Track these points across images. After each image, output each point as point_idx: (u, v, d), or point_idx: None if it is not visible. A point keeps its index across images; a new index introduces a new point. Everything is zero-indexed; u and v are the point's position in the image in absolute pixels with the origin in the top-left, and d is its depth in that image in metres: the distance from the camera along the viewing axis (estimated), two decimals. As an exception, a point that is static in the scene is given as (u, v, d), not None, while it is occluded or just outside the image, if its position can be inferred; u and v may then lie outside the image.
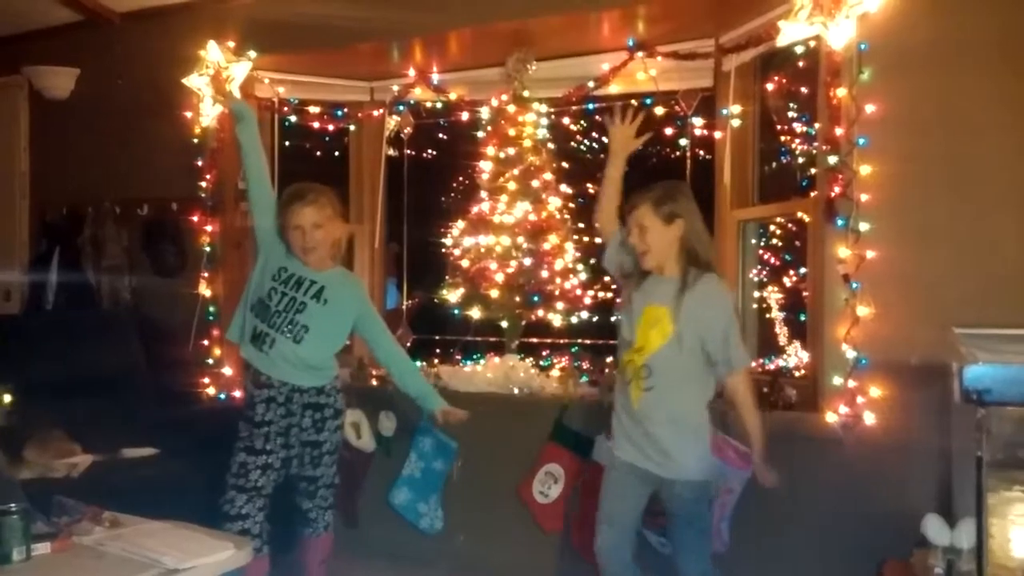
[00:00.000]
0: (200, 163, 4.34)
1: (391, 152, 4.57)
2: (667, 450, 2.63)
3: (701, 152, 3.89)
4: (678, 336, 2.58)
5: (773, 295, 4.03)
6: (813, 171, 3.33)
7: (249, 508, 2.92)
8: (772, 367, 3.79)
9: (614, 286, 4.94)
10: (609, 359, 3.79)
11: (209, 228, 4.34)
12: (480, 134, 4.11)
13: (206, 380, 4.28)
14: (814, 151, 3.31)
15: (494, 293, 3.87)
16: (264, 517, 2.97)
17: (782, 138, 3.79)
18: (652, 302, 2.65)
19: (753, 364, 3.74)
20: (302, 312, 2.95)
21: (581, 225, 4.21)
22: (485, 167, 3.96)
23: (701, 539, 2.74)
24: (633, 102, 3.20)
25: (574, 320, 3.98)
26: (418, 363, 4.31)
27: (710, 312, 2.59)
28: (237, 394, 4.25)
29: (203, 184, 4.34)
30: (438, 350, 4.46)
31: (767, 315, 4.00)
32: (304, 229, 2.95)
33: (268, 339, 2.94)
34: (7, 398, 3.44)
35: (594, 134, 4.73)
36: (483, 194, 3.96)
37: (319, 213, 2.97)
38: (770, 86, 3.66)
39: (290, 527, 3.17)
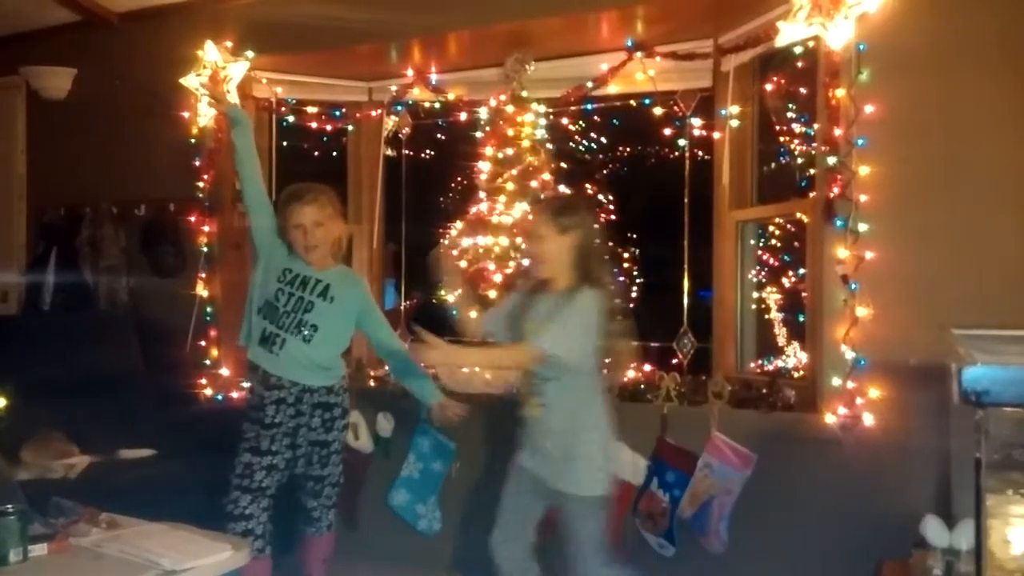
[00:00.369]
0: (198, 163, 4.34)
1: (389, 152, 4.57)
2: (561, 463, 2.64)
3: (700, 153, 3.88)
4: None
5: (772, 296, 4.03)
6: (812, 172, 3.33)
7: (253, 508, 2.93)
8: (771, 368, 3.79)
9: (612, 287, 4.96)
10: (607, 359, 3.78)
11: (207, 229, 4.34)
12: (478, 134, 4.10)
13: (204, 381, 4.27)
14: (813, 152, 3.31)
15: (492, 294, 3.86)
16: (268, 518, 2.97)
17: (781, 139, 3.79)
18: (536, 319, 2.67)
19: (753, 365, 3.76)
20: (310, 311, 2.97)
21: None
22: (483, 167, 3.95)
23: (596, 555, 2.69)
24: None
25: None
26: (416, 364, 4.33)
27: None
28: (235, 395, 4.24)
29: (201, 185, 4.33)
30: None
31: (766, 316, 4.00)
32: (305, 228, 2.97)
33: (278, 340, 2.96)
34: (2, 402, 3.43)
35: (593, 134, 4.73)
36: (481, 194, 3.95)
37: (320, 212, 2.99)
38: (769, 87, 3.66)
39: (292, 526, 3.17)
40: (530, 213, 2.74)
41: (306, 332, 2.96)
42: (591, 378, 2.68)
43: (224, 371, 4.31)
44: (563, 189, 3.98)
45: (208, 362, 4.30)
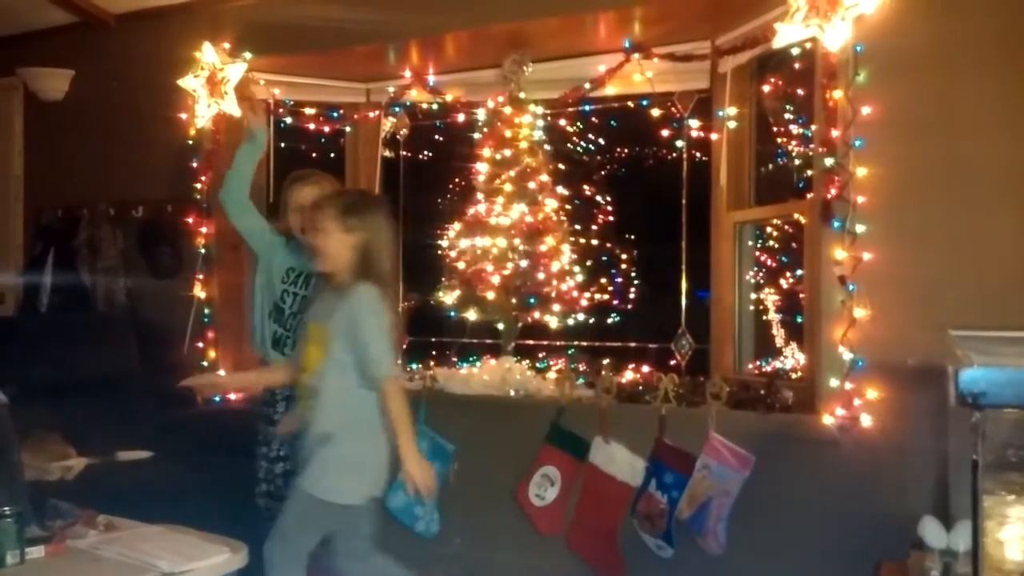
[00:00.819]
0: (195, 165, 4.34)
1: (387, 153, 4.57)
2: (320, 471, 2.60)
3: (697, 154, 3.89)
4: (334, 354, 2.57)
5: (770, 297, 4.03)
6: (809, 173, 3.33)
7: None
8: (769, 369, 3.79)
9: (611, 288, 4.96)
10: (606, 361, 3.79)
11: (204, 230, 4.34)
12: (476, 136, 4.10)
13: (202, 382, 4.26)
14: (810, 153, 3.31)
15: (490, 295, 3.87)
16: None
17: (778, 140, 3.80)
18: (314, 319, 2.67)
19: (751, 366, 3.76)
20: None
21: (578, 227, 4.22)
22: (481, 169, 3.95)
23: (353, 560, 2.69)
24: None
25: (570, 322, 3.97)
26: (414, 365, 4.33)
27: (355, 322, 2.56)
28: (233, 396, 4.24)
29: (198, 186, 4.33)
30: (434, 352, 4.45)
31: (764, 317, 4.00)
32: (304, 208, 2.94)
33: (288, 342, 2.96)
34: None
35: (590, 135, 4.73)
36: (479, 196, 3.95)
37: (319, 194, 2.95)
38: (766, 88, 3.67)
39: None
40: (319, 205, 2.73)
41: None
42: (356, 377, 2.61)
43: (222, 372, 4.31)
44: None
45: (206, 363, 4.29)
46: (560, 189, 4.04)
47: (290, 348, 2.93)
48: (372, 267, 2.62)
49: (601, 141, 4.92)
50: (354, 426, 2.61)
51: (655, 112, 3.87)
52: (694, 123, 3.80)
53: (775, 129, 3.76)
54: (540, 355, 4.19)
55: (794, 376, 3.57)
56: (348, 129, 4.61)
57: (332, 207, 2.66)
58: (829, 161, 3.01)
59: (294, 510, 2.66)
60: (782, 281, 3.99)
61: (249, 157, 3.11)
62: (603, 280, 4.56)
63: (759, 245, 3.93)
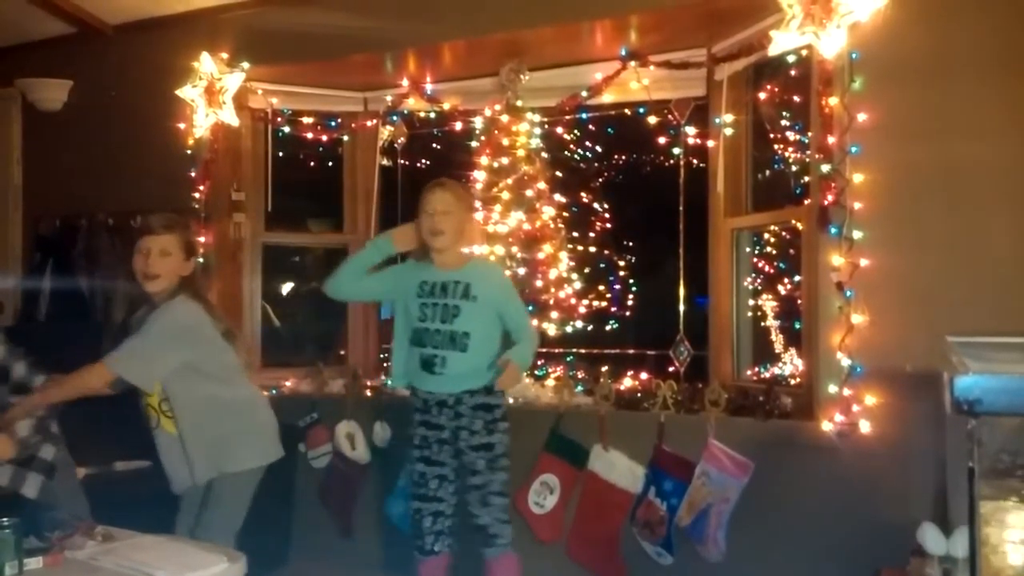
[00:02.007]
0: (193, 174, 4.34)
1: (385, 162, 4.58)
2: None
3: (694, 161, 3.90)
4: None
5: (768, 303, 4.03)
6: (806, 179, 3.34)
7: (427, 522, 2.96)
8: (767, 375, 3.79)
9: (609, 295, 4.97)
10: (605, 368, 3.79)
11: (203, 239, 4.33)
12: (474, 144, 4.11)
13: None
14: (807, 159, 3.32)
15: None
16: (447, 527, 2.97)
17: (775, 146, 3.80)
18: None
19: (749, 372, 3.76)
20: (458, 316, 2.89)
21: (575, 234, 4.22)
22: (479, 177, 3.96)
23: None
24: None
25: (569, 329, 3.97)
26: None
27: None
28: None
29: (197, 195, 4.33)
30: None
31: (762, 323, 4.00)
32: (436, 213, 2.92)
33: (438, 360, 2.90)
34: None
35: (587, 143, 4.75)
36: (477, 204, 3.95)
37: (448, 199, 2.95)
38: (763, 95, 3.67)
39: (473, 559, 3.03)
40: (159, 228, 2.80)
41: (460, 342, 2.89)
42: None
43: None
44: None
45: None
46: (558, 197, 4.04)
47: (442, 366, 2.89)
48: (197, 285, 2.87)
49: (598, 149, 4.95)
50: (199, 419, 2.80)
51: (652, 119, 3.87)
52: (691, 130, 3.81)
53: (772, 136, 3.77)
54: (538, 362, 4.19)
55: (793, 382, 3.57)
56: (346, 138, 4.62)
57: (176, 230, 2.82)
58: (826, 167, 3.02)
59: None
60: (780, 287, 3.99)
61: (371, 261, 3.05)
62: (601, 287, 4.56)
63: (756, 251, 3.94)
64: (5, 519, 2.02)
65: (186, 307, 2.74)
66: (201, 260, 4.24)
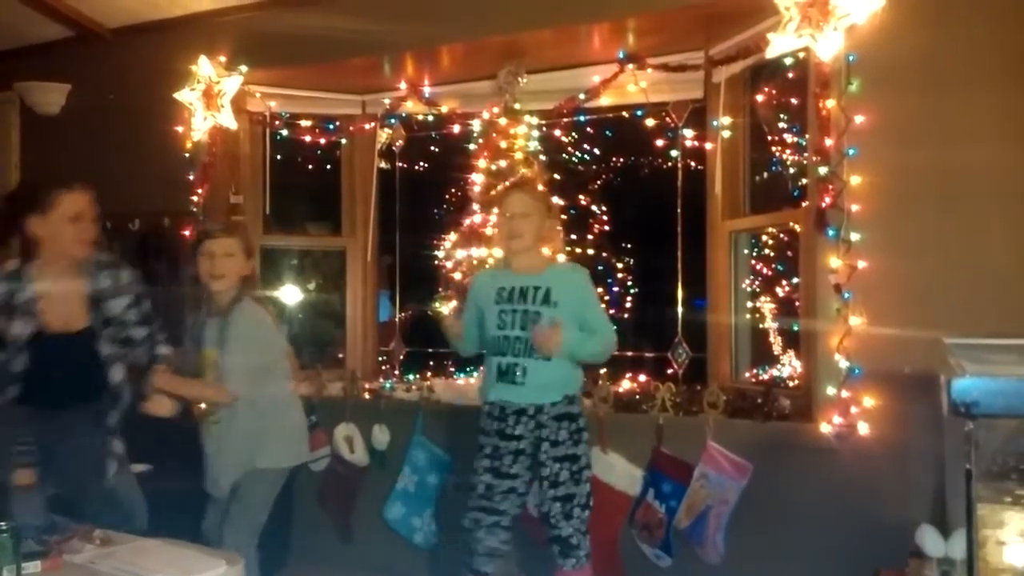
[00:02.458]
0: (192, 177, 4.34)
1: (383, 165, 4.58)
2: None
3: (692, 163, 3.90)
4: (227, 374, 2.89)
5: (766, 305, 4.04)
6: (804, 181, 3.34)
7: (490, 537, 2.86)
8: (766, 377, 3.79)
9: (607, 297, 4.96)
10: (603, 370, 3.78)
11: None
12: (472, 146, 4.11)
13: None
14: (804, 161, 3.33)
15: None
16: (501, 542, 2.87)
17: (773, 149, 3.81)
18: (206, 346, 2.96)
19: (748, 374, 3.76)
20: (538, 324, 2.79)
21: (573, 236, 4.22)
22: (477, 179, 3.96)
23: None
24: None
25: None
26: (411, 376, 4.33)
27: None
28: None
29: (195, 199, 4.33)
30: (431, 363, 4.46)
31: (760, 325, 4.00)
32: (515, 216, 2.86)
33: (518, 369, 2.81)
34: None
35: (585, 146, 4.75)
36: (475, 206, 3.96)
37: (524, 202, 2.89)
38: (760, 97, 3.68)
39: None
40: (221, 232, 3.03)
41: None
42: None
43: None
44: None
45: (203, 376, 4.28)
46: (556, 199, 4.04)
47: (522, 375, 2.80)
48: (253, 283, 3.07)
49: (596, 151, 4.95)
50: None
51: (650, 122, 3.88)
52: (689, 133, 3.81)
53: (769, 138, 3.77)
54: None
55: (791, 384, 3.57)
56: (344, 141, 4.62)
57: (236, 234, 3.04)
58: (823, 170, 3.03)
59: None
60: (778, 289, 3.99)
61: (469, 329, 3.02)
62: (599, 289, 4.57)
63: (755, 253, 3.94)
64: (3, 523, 2.02)
65: (255, 312, 2.94)
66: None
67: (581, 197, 4.85)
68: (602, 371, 3.81)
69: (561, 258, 3.46)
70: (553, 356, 2.77)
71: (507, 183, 3.05)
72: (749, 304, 3.86)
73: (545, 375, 2.81)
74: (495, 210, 3.85)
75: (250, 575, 2.80)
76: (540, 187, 3.08)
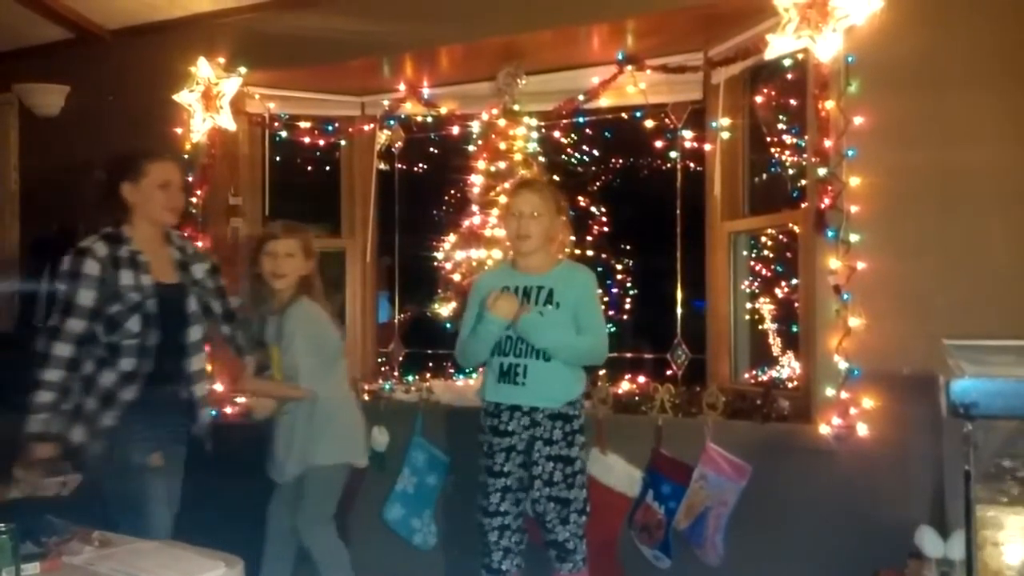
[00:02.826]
0: (191, 179, 4.33)
1: (382, 166, 4.58)
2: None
3: (691, 164, 3.90)
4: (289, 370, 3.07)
5: (765, 306, 4.04)
6: (803, 182, 3.35)
7: (498, 537, 2.83)
8: (765, 378, 3.79)
9: (606, 298, 4.96)
10: (602, 371, 3.78)
11: (200, 244, 4.33)
12: (471, 148, 4.11)
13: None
14: (804, 163, 3.33)
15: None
16: (514, 542, 2.85)
17: (772, 150, 3.81)
18: (272, 342, 3.13)
19: (747, 375, 3.76)
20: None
21: (572, 238, 4.21)
22: (476, 181, 3.96)
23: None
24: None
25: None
26: (410, 377, 4.32)
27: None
28: (229, 410, 4.23)
29: (194, 200, 4.33)
30: (430, 364, 4.45)
31: (760, 326, 4.00)
32: (522, 215, 2.82)
33: (520, 369, 2.77)
34: None
35: (585, 147, 4.74)
36: (474, 208, 3.96)
37: (535, 201, 2.84)
38: (759, 98, 3.68)
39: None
40: (283, 233, 3.18)
41: (544, 352, 2.76)
42: None
43: (218, 386, 4.30)
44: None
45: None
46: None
47: (524, 375, 2.76)
48: (313, 285, 3.17)
49: (595, 152, 4.94)
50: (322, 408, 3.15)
51: (649, 123, 3.88)
52: (688, 134, 3.81)
53: (768, 139, 3.77)
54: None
55: (790, 385, 3.57)
56: (343, 142, 4.62)
57: (300, 235, 3.16)
58: (822, 171, 3.03)
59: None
60: (777, 290, 3.99)
61: (493, 341, 2.85)
62: (598, 290, 4.57)
63: (754, 255, 3.94)
64: (2, 524, 2.01)
65: (311, 311, 3.08)
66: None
67: (580, 198, 4.84)
68: (601, 372, 3.81)
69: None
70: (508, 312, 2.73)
71: (516, 180, 3.02)
72: (748, 305, 3.86)
73: (547, 375, 2.78)
74: (495, 208, 3.88)
75: (336, 559, 3.14)
76: (549, 186, 3.05)
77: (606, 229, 4.94)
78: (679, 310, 3.80)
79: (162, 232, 3.00)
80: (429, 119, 4.32)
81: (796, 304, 3.53)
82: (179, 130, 4.34)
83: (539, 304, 2.79)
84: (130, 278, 2.81)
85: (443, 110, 4.24)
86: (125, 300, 2.79)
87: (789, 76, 3.49)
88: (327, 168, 4.72)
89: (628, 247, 5.08)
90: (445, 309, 4.00)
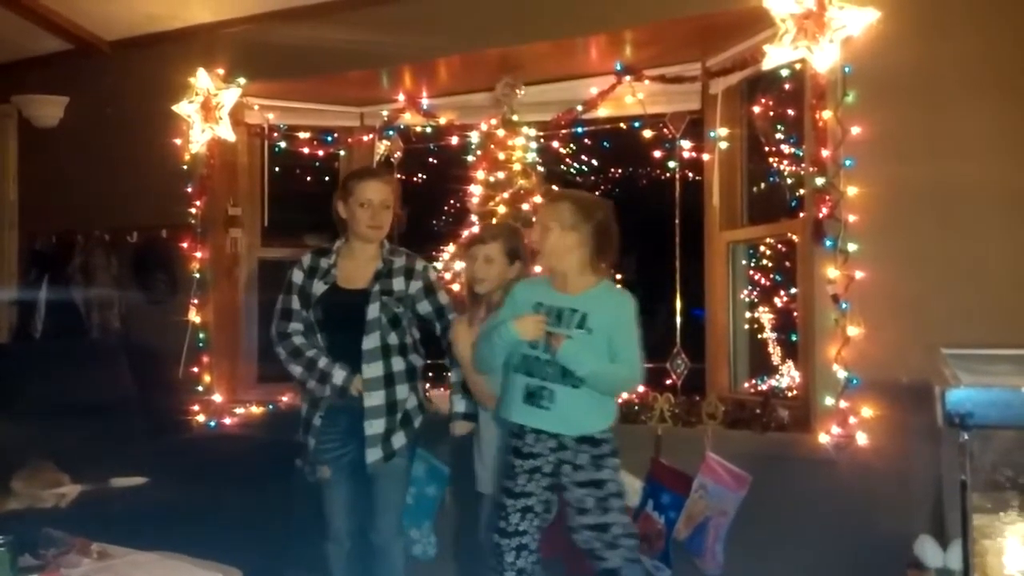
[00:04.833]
0: (189, 190, 4.35)
1: (381, 177, 4.58)
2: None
3: (690, 174, 3.91)
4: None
5: (764, 316, 4.04)
6: (801, 192, 3.35)
7: (514, 558, 2.72)
8: (764, 388, 3.79)
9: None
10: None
11: (199, 255, 4.34)
12: (470, 158, 4.12)
13: (196, 407, 4.25)
14: (802, 172, 3.34)
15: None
16: (530, 563, 2.74)
17: (770, 160, 3.82)
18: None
19: (746, 385, 3.76)
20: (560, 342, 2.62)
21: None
22: (475, 191, 3.97)
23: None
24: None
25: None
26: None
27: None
28: (228, 421, 4.23)
29: (193, 211, 4.34)
30: (430, 374, 4.44)
31: (759, 336, 4.00)
32: (546, 229, 2.70)
33: (546, 393, 2.65)
34: None
35: (583, 157, 4.76)
36: (473, 218, 3.96)
37: (557, 215, 2.70)
38: (757, 108, 3.69)
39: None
40: (487, 237, 3.10)
41: (573, 377, 2.62)
42: None
43: (216, 397, 4.30)
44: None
45: (200, 388, 4.28)
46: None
47: (548, 399, 2.64)
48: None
49: (594, 162, 4.96)
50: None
51: (647, 133, 3.88)
52: (686, 144, 3.82)
53: (766, 149, 3.79)
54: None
55: (789, 395, 3.57)
56: (342, 153, 4.63)
57: (499, 238, 3.06)
58: (820, 180, 3.04)
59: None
60: (776, 300, 4.00)
61: (504, 353, 2.76)
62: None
63: (752, 264, 3.94)
64: (0, 536, 2.01)
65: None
66: (198, 275, 4.30)
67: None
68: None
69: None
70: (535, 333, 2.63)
71: (551, 192, 2.95)
72: (747, 315, 3.86)
73: (575, 403, 2.64)
74: (494, 218, 3.88)
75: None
76: (578, 199, 2.78)
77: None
78: (678, 319, 3.79)
79: (374, 246, 3.17)
80: (428, 129, 4.33)
81: (795, 313, 3.53)
82: (178, 141, 4.35)
83: (570, 328, 2.64)
84: (319, 287, 3.12)
85: (442, 121, 4.24)
86: (313, 305, 3.11)
87: (787, 86, 3.50)
88: (326, 178, 4.73)
89: (626, 256, 5.09)
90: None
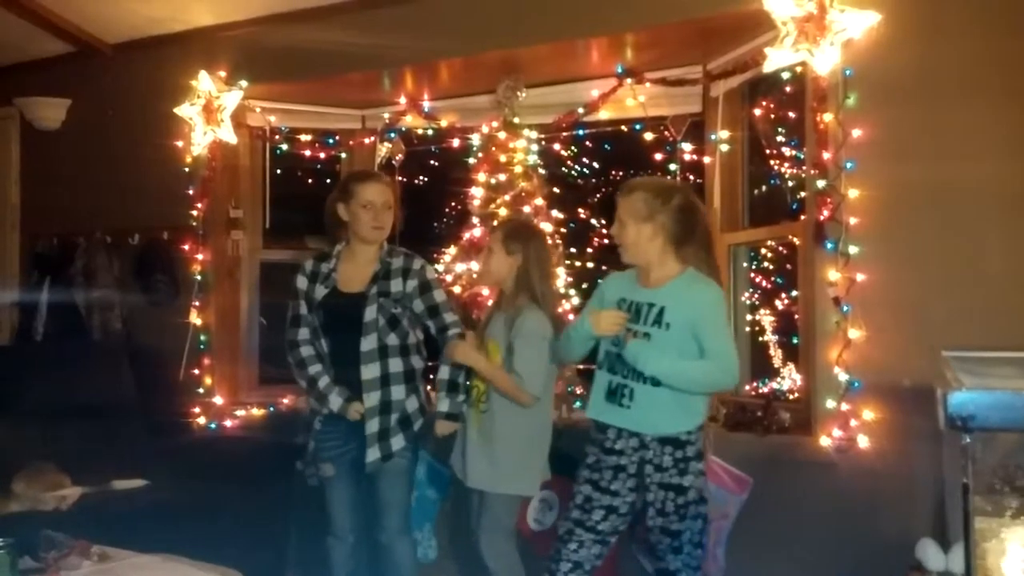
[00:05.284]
0: (191, 192, 4.35)
1: (383, 179, 4.58)
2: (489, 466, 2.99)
3: (691, 177, 3.91)
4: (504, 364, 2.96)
5: (765, 318, 4.04)
6: (802, 194, 3.35)
7: (582, 553, 2.65)
8: (766, 390, 3.79)
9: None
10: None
11: (200, 257, 4.35)
12: (471, 160, 4.12)
13: (197, 409, 4.26)
14: (803, 175, 3.34)
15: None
16: (584, 556, 2.66)
17: (771, 162, 3.82)
18: (490, 336, 3.06)
19: (747, 387, 3.76)
20: None
21: (573, 250, 4.22)
22: (476, 193, 3.97)
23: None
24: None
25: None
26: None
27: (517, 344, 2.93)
28: (228, 423, 4.23)
29: (194, 213, 4.34)
30: (431, 376, 4.44)
31: (760, 338, 4.00)
32: (620, 221, 2.64)
33: (626, 391, 2.56)
34: None
35: (584, 160, 4.76)
36: (475, 220, 3.97)
37: (625, 208, 2.63)
38: (758, 111, 3.69)
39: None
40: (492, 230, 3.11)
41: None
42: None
43: (217, 399, 4.30)
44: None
45: (202, 390, 4.28)
46: (555, 213, 4.05)
47: (629, 398, 2.55)
48: (533, 285, 2.99)
49: (595, 165, 4.96)
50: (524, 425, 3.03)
51: (648, 136, 3.89)
52: (687, 146, 3.82)
53: (767, 152, 3.78)
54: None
55: (791, 397, 3.57)
56: (344, 155, 4.63)
57: (499, 230, 3.10)
58: (821, 183, 3.04)
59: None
60: (777, 302, 3.99)
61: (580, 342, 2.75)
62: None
63: (753, 267, 3.94)
64: (1, 539, 2.01)
65: (540, 321, 2.98)
66: (200, 277, 4.31)
67: (580, 211, 4.85)
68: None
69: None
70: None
71: (626, 183, 2.71)
72: (748, 317, 3.86)
73: (654, 401, 2.53)
74: (494, 220, 3.87)
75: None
76: (649, 187, 2.63)
77: (606, 241, 4.94)
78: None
79: (374, 248, 3.17)
80: (429, 132, 4.33)
81: (796, 316, 3.53)
82: (180, 143, 4.36)
83: (647, 324, 2.54)
84: (319, 291, 3.14)
85: (443, 123, 4.25)
86: (315, 308, 3.14)
87: (788, 89, 3.50)
88: (328, 181, 4.72)
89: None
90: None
